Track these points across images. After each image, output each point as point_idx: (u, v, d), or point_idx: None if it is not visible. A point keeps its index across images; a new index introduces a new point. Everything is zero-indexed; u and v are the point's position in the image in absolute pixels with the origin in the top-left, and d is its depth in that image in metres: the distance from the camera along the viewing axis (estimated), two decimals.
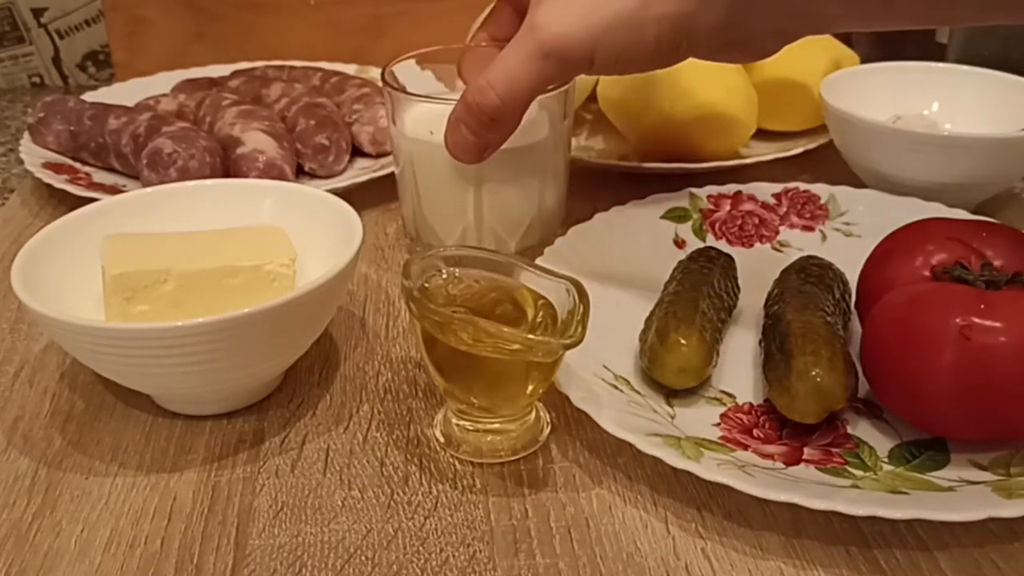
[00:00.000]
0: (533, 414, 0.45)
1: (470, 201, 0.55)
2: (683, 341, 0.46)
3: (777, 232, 0.61)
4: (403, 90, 0.56)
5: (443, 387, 0.44)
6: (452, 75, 0.61)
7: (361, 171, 0.71)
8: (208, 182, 0.56)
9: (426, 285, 0.43)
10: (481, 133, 0.48)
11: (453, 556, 0.39)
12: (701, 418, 0.46)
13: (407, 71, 0.58)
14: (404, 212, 0.60)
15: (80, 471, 0.44)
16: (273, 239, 0.49)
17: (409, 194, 0.58)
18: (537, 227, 0.57)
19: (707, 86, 0.68)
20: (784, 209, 0.61)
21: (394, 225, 0.66)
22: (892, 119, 0.71)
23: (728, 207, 0.61)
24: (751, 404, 0.47)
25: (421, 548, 0.39)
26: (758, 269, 0.55)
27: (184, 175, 0.64)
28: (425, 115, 0.55)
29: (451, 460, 0.44)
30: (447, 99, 0.51)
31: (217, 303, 0.46)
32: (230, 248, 0.48)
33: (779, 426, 0.45)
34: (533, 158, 0.55)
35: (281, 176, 0.66)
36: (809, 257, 0.53)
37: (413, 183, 0.57)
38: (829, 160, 0.71)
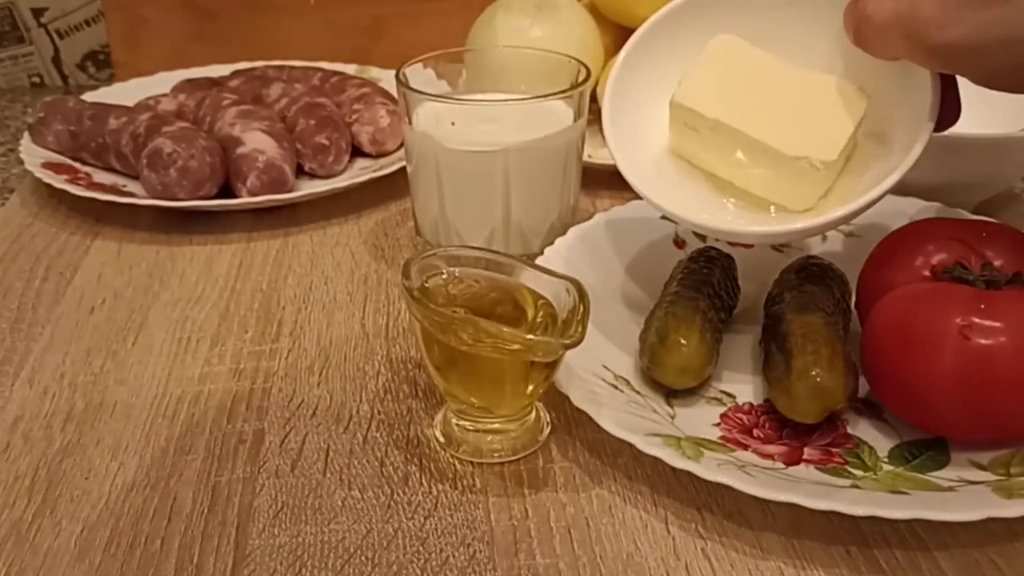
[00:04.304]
0: (533, 414, 0.45)
1: (498, 201, 0.55)
2: (683, 341, 0.46)
3: None
4: (420, 91, 0.56)
5: (443, 387, 0.44)
6: (454, 74, 0.61)
7: (361, 171, 0.71)
8: None
9: (426, 285, 0.43)
10: None
11: (453, 556, 0.39)
12: (701, 418, 0.46)
13: (411, 72, 0.58)
14: (417, 213, 0.60)
15: (80, 471, 0.44)
16: (836, 119, 0.46)
17: (424, 195, 0.58)
18: (559, 226, 0.57)
19: None
20: None
21: (394, 225, 0.66)
22: None
23: None
24: (751, 404, 0.47)
25: (421, 548, 0.39)
26: (758, 269, 0.55)
27: (184, 175, 0.64)
28: (443, 114, 0.55)
29: (451, 460, 0.44)
30: (465, 99, 0.51)
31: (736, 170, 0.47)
32: (790, 121, 0.46)
33: (779, 426, 0.45)
34: (557, 155, 0.55)
35: (281, 176, 0.66)
36: (809, 257, 0.53)
37: (433, 184, 0.57)
38: None
